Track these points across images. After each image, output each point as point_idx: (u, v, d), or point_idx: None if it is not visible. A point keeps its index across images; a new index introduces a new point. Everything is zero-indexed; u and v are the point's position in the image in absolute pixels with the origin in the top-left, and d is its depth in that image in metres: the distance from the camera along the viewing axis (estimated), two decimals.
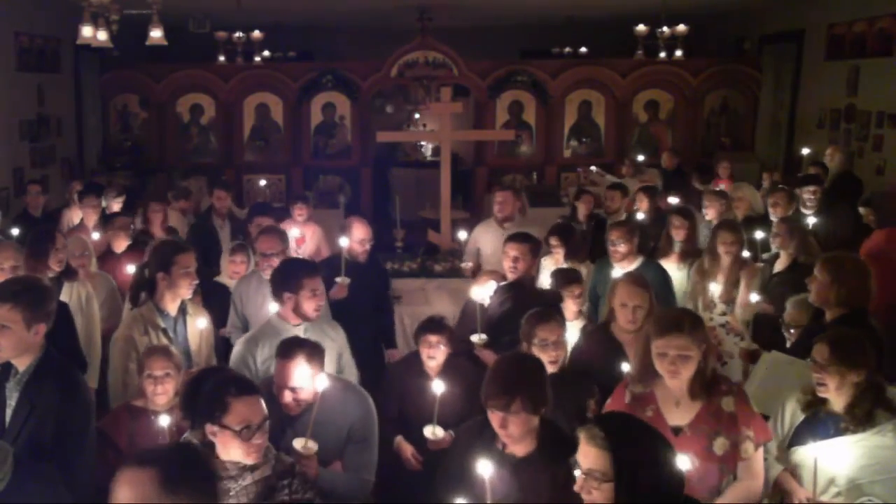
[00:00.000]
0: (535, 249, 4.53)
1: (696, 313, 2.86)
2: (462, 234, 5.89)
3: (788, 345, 3.91)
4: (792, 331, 3.95)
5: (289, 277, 3.58)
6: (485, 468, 2.47)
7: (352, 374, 3.76)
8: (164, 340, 3.61)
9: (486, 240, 5.74)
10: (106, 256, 5.36)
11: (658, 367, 2.76)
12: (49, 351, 2.95)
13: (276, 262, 4.26)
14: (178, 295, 3.74)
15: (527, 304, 4.11)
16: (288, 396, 2.95)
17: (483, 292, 4.22)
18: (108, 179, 9.02)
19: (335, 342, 3.71)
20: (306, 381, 2.93)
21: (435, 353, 3.68)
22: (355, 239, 4.89)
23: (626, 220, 5.75)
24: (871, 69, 8.27)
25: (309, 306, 3.56)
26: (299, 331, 3.49)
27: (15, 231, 5.66)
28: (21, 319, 2.82)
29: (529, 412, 2.59)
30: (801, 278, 4.44)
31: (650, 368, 2.80)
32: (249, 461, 2.48)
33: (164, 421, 3.04)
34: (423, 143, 12.73)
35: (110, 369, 3.73)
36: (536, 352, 3.33)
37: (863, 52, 8.41)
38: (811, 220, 5.72)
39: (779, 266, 4.90)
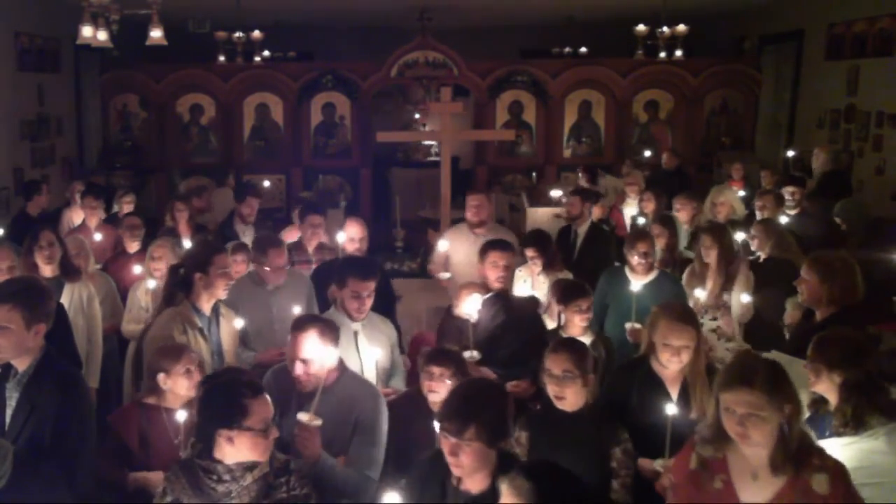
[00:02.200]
0: (515, 257, 4.41)
1: (780, 365, 2.37)
2: (443, 244, 5.38)
3: None
4: None
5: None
6: None
7: (400, 369, 3.96)
8: (201, 340, 3.65)
9: (456, 246, 5.31)
10: (119, 257, 5.40)
11: (726, 427, 2.28)
12: (49, 351, 2.96)
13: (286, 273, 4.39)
14: (214, 295, 3.78)
15: (519, 315, 4.14)
16: (299, 368, 2.99)
17: (470, 307, 3.95)
18: (107, 179, 9.05)
19: (388, 337, 3.88)
20: (317, 353, 2.98)
21: (438, 387, 3.20)
22: (347, 236, 4.96)
23: (643, 229, 5.60)
24: (871, 69, 8.27)
25: (349, 306, 3.74)
26: (356, 326, 3.69)
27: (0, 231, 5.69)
28: (20, 319, 2.82)
29: (484, 443, 2.34)
30: (773, 270, 4.63)
31: (723, 428, 2.31)
32: (263, 459, 2.49)
33: (182, 416, 3.06)
34: (427, 142, 12.71)
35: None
36: (545, 379, 3.06)
37: (863, 52, 8.41)
38: (784, 219, 5.75)
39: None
